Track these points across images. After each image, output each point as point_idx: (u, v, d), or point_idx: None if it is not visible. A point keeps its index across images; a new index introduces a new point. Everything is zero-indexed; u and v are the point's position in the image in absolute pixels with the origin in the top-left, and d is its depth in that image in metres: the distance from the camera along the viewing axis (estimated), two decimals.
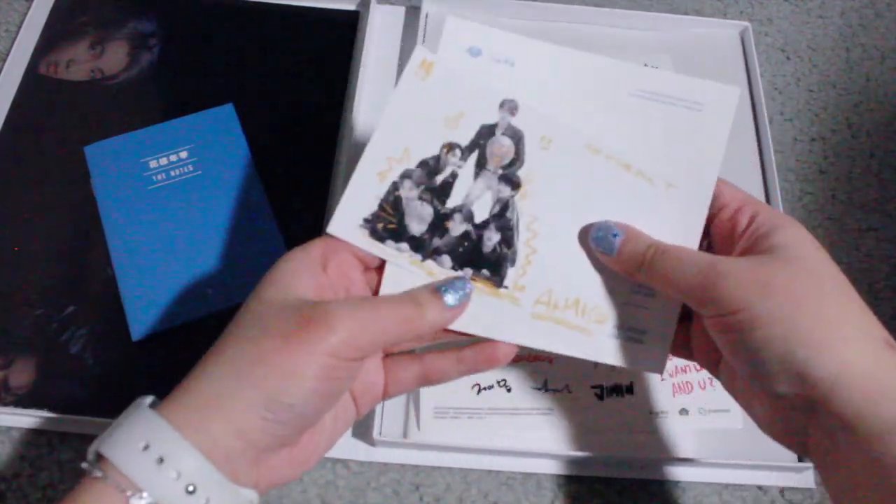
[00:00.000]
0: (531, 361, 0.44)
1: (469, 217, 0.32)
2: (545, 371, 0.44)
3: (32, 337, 0.45)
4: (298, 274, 0.31)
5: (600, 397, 0.44)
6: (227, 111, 0.52)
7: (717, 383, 0.35)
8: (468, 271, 0.32)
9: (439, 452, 0.43)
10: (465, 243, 0.32)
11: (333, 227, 0.32)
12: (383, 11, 0.57)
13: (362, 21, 0.56)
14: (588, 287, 0.34)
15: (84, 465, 0.27)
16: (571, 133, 0.33)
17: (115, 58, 0.54)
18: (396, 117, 0.32)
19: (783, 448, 0.33)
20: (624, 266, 0.33)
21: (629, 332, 0.34)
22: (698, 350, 0.34)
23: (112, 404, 0.42)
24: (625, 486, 0.43)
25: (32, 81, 0.53)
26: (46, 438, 0.43)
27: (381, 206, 0.32)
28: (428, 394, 0.43)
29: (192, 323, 0.45)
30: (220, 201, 0.48)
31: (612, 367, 0.42)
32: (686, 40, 0.57)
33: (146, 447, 0.26)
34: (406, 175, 0.32)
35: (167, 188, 0.49)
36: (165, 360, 0.44)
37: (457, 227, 0.32)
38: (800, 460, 0.43)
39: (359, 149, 0.51)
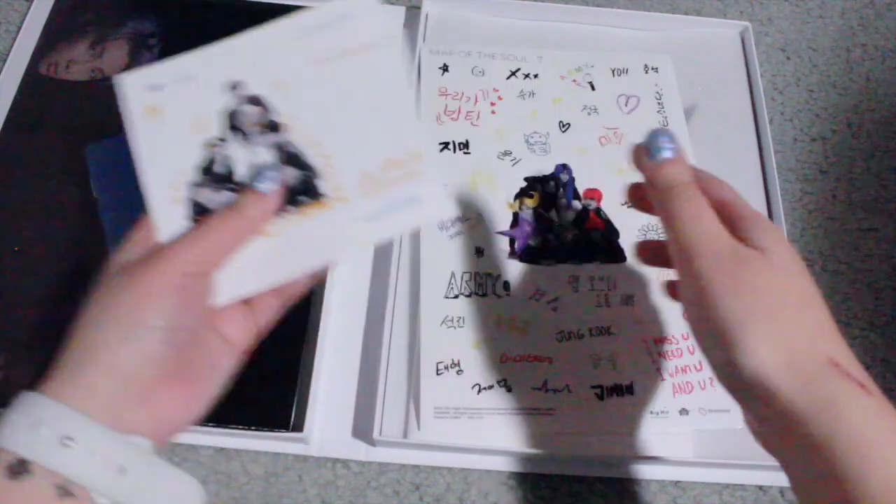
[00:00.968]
0: (531, 362, 0.44)
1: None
2: (545, 371, 0.44)
3: (32, 337, 0.45)
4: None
5: (600, 397, 0.43)
6: None
7: (717, 384, 0.35)
8: (292, 209, 0.34)
9: (439, 452, 0.43)
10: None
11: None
12: (383, 12, 0.57)
13: None
14: (390, 143, 0.35)
15: None
16: (293, 75, 0.37)
17: (115, 58, 0.54)
18: (149, 159, 0.35)
19: None
20: (657, 177, 0.32)
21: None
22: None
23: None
24: (625, 486, 0.43)
25: (32, 81, 0.53)
26: None
27: (190, 219, 0.34)
28: (428, 394, 0.43)
29: None
30: None
31: (613, 367, 0.43)
32: (686, 40, 0.57)
33: (20, 416, 0.27)
34: (196, 185, 0.35)
35: None
36: None
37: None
38: None
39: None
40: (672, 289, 0.37)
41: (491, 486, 0.43)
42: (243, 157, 0.35)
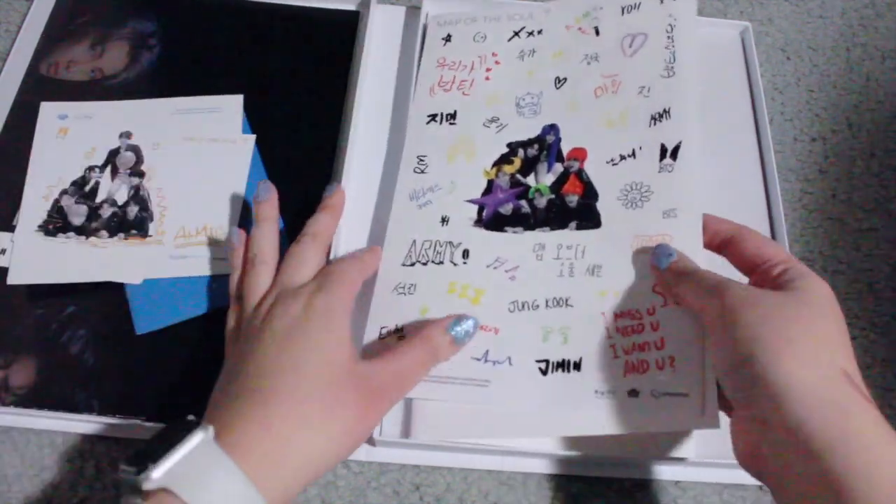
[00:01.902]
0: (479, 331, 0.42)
1: (113, 203, 0.48)
2: (489, 342, 0.42)
3: (32, 337, 0.45)
4: (344, 329, 0.37)
5: (544, 372, 0.41)
6: None
7: (677, 364, 0.38)
8: (122, 235, 0.47)
9: (439, 452, 0.43)
10: (115, 219, 0.47)
11: (20, 237, 0.47)
12: (383, 11, 0.57)
13: (362, 21, 0.56)
14: (213, 216, 0.47)
15: (139, 481, 0.29)
16: (168, 141, 0.50)
17: (115, 58, 0.54)
18: (41, 162, 0.49)
19: None
20: (663, 277, 0.40)
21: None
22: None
23: (112, 404, 0.42)
24: (625, 486, 0.43)
25: (32, 81, 0.53)
26: (47, 438, 0.43)
27: (49, 215, 0.47)
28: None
29: (195, 319, 0.45)
30: None
31: (564, 341, 0.41)
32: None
33: (205, 472, 0.29)
34: (65, 193, 0.48)
35: None
36: (167, 358, 0.44)
37: (106, 211, 0.47)
38: None
39: (360, 148, 0.51)
40: (666, 289, 0.40)
41: (491, 486, 0.43)
42: (106, 187, 0.48)
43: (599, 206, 0.44)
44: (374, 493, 0.43)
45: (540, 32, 0.51)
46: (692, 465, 0.43)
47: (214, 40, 0.56)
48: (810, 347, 0.31)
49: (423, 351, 0.39)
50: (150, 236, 0.46)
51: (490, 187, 0.47)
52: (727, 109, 0.54)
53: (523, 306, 0.42)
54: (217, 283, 0.46)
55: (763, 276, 0.37)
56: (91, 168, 0.49)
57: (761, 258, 0.38)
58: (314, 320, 0.36)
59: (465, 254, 0.44)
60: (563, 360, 0.41)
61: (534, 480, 0.43)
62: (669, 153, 0.43)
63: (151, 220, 0.47)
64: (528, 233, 0.45)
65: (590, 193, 0.45)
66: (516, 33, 0.51)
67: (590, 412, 0.39)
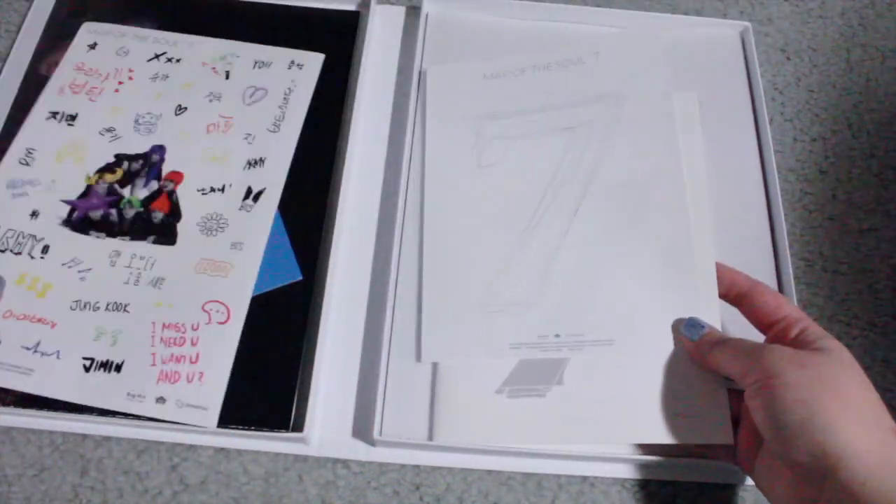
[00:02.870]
0: (33, 322, 0.44)
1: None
2: (43, 334, 0.44)
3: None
4: None
5: (87, 369, 0.43)
6: None
7: (206, 379, 0.42)
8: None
9: (439, 452, 0.43)
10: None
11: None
12: (383, 11, 0.57)
13: (362, 21, 0.56)
14: None
15: None
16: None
17: None
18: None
19: None
20: (697, 348, 0.41)
21: None
22: (743, 444, 0.40)
23: (112, 404, 0.42)
24: (625, 485, 0.43)
25: (32, 81, 0.53)
26: (47, 438, 0.43)
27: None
28: None
29: None
30: None
31: (113, 343, 0.44)
32: (686, 40, 0.57)
33: None
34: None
35: None
36: None
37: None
38: None
39: (360, 148, 0.51)
40: (698, 355, 0.41)
41: (491, 486, 0.43)
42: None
43: (180, 226, 0.48)
44: (374, 493, 0.43)
45: (178, 61, 0.54)
46: (693, 466, 0.43)
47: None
48: (865, 411, 0.34)
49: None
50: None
51: (87, 191, 0.49)
52: (727, 109, 0.54)
53: (85, 306, 0.45)
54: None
55: (780, 334, 0.39)
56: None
57: (778, 316, 0.39)
58: None
59: (45, 249, 0.47)
60: (107, 361, 0.43)
61: (534, 480, 0.43)
62: (253, 196, 0.48)
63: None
64: (110, 239, 0.47)
65: (175, 213, 0.48)
66: (157, 56, 0.54)
67: (606, 421, 0.42)
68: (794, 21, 0.60)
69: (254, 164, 0.49)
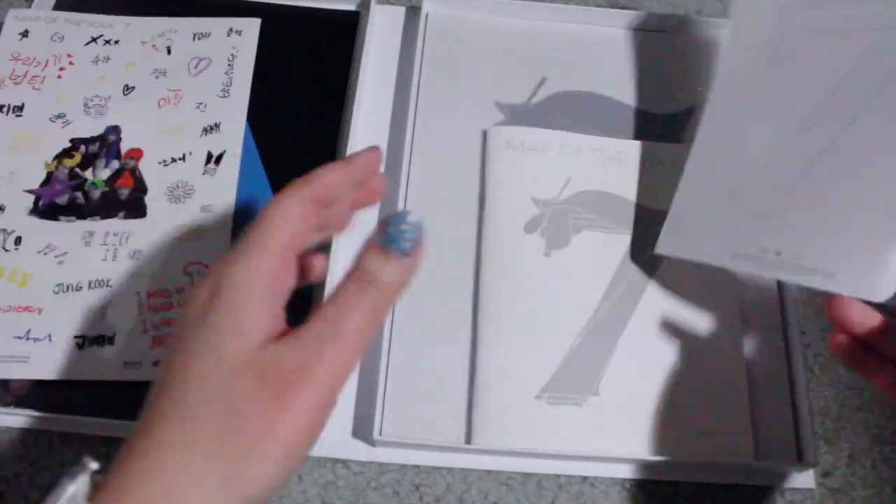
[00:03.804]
0: (20, 312, 0.45)
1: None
2: (32, 321, 0.45)
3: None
4: (255, 311, 0.27)
5: (80, 346, 0.44)
6: None
7: None
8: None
9: (439, 452, 0.43)
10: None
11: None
12: (383, 11, 0.57)
13: (362, 21, 0.56)
14: None
15: None
16: None
17: None
18: None
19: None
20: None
21: None
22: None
23: (112, 404, 0.42)
24: (625, 485, 0.43)
25: None
26: (46, 438, 0.43)
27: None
28: None
29: None
30: None
31: (102, 318, 0.45)
32: (686, 40, 0.57)
33: None
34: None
35: None
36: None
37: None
38: (799, 460, 0.43)
39: (360, 148, 0.51)
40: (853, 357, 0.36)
41: (491, 486, 0.43)
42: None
43: (147, 199, 0.49)
44: (374, 493, 0.43)
45: (117, 42, 0.54)
46: (693, 466, 0.43)
47: None
48: None
49: (360, 292, 0.27)
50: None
51: (49, 179, 0.49)
52: None
53: (68, 288, 0.46)
54: None
55: None
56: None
57: None
58: (211, 310, 0.26)
59: (18, 241, 0.47)
60: (99, 336, 0.44)
61: (534, 480, 0.43)
62: (214, 159, 0.50)
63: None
64: (80, 221, 0.48)
65: (140, 188, 0.49)
66: (94, 39, 0.54)
67: (638, 434, 0.43)
68: None
69: (210, 129, 0.51)
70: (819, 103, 0.41)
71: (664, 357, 0.45)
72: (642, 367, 0.45)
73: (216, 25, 0.55)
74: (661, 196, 0.49)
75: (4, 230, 0.47)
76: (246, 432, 0.25)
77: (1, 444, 0.43)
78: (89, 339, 0.44)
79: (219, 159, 0.50)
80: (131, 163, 0.50)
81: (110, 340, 0.44)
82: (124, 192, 0.49)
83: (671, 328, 0.46)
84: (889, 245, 0.37)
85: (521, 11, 0.57)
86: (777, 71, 0.43)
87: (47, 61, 0.53)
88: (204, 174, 0.49)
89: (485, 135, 0.52)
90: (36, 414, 0.43)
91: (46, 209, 0.48)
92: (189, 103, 0.52)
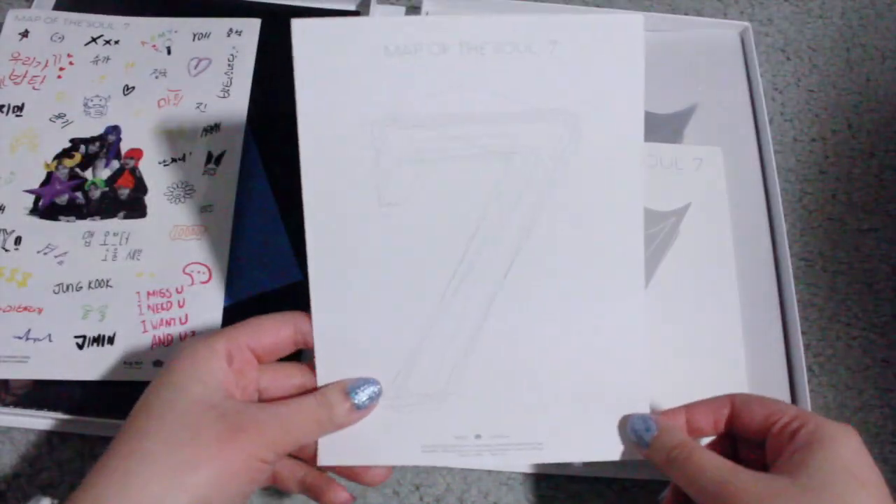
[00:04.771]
0: (20, 312, 0.45)
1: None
2: (32, 321, 0.45)
3: None
4: (212, 371, 0.33)
5: (80, 347, 0.44)
6: None
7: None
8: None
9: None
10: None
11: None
12: (383, 11, 0.57)
13: None
14: None
15: None
16: None
17: None
18: None
19: None
20: (654, 457, 0.34)
21: None
22: None
23: (112, 404, 0.42)
24: (625, 486, 0.43)
25: None
26: (46, 438, 0.43)
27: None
28: None
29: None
30: None
31: (101, 318, 0.45)
32: (686, 40, 0.57)
33: None
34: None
35: None
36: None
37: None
38: None
39: None
40: None
41: (491, 486, 0.43)
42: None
43: (147, 199, 0.49)
44: (374, 493, 0.43)
45: (117, 42, 0.54)
46: None
47: None
48: None
49: (319, 407, 0.34)
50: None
51: (49, 179, 0.49)
52: (727, 109, 0.54)
53: (67, 288, 0.46)
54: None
55: (777, 439, 0.33)
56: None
57: (770, 420, 0.33)
58: (179, 368, 0.33)
59: (18, 241, 0.47)
60: (99, 335, 0.44)
61: (534, 480, 0.43)
62: (214, 159, 0.49)
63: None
64: (80, 221, 0.48)
65: (140, 188, 0.49)
66: (94, 39, 0.54)
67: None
68: (794, 21, 0.61)
69: (209, 130, 0.51)
70: (458, 252, 0.35)
71: (663, 357, 0.45)
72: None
73: (216, 26, 0.55)
74: (661, 196, 0.50)
75: (4, 230, 0.47)
76: (195, 447, 0.30)
77: (1, 444, 0.43)
78: (89, 339, 0.44)
79: (219, 159, 0.50)
80: (131, 163, 0.50)
81: (110, 340, 0.44)
82: (124, 192, 0.49)
83: (670, 328, 0.46)
84: (584, 401, 0.36)
85: (521, 11, 0.57)
86: (386, 217, 0.35)
87: (47, 61, 0.53)
88: (204, 174, 0.49)
89: None
90: (36, 414, 0.43)
91: (46, 209, 0.48)
92: (189, 104, 0.52)
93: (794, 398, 0.45)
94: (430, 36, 0.34)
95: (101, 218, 0.48)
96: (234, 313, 0.45)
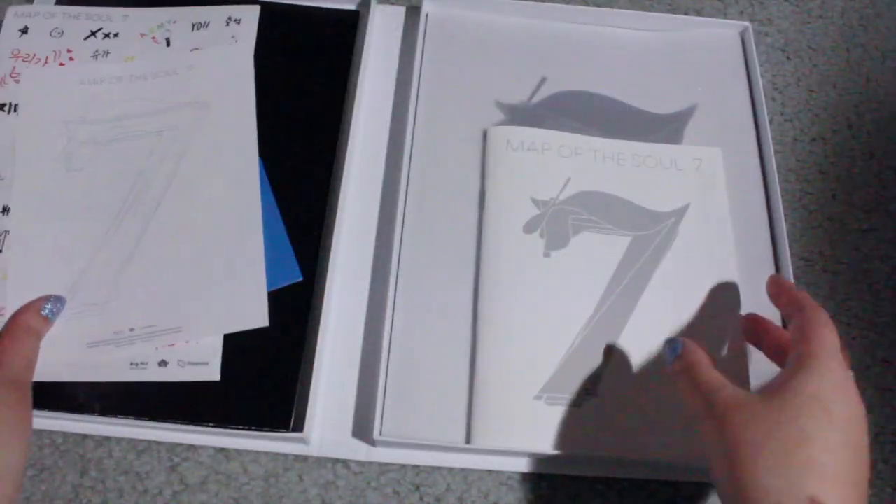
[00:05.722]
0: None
1: None
2: None
3: None
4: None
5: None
6: None
7: (200, 341, 0.44)
8: None
9: (439, 452, 0.43)
10: None
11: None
12: (383, 11, 0.57)
13: (362, 21, 0.56)
14: None
15: None
16: None
17: None
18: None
19: None
20: (675, 367, 0.39)
21: None
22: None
23: (113, 404, 0.42)
24: (625, 486, 0.43)
25: None
26: (47, 438, 0.43)
27: None
28: None
29: None
30: None
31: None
32: (686, 40, 0.57)
33: None
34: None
35: None
36: None
37: None
38: None
39: (360, 148, 0.51)
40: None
41: (491, 486, 0.43)
42: None
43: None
44: (374, 493, 0.43)
45: (116, 35, 0.54)
46: (691, 466, 0.43)
47: None
48: (781, 471, 0.31)
49: (23, 332, 0.41)
50: None
51: None
52: (727, 109, 0.54)
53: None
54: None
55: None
56: None
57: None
58: None
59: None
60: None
61: (534, 480, 0.43)
62: None
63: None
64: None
65: None
66: (93, 33, 0.54)
67: (637, 434, 0.43)
68: (794, 21, 0.61)
69: None
70: (123, 196, 0.48)
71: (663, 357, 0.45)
72: (641, 367, 0.45)
73: (215, 14, 0.54)
74: (660, 196, 0.50)
75: (8, 232, 0.47)
76: None
77: None
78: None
79: None
80: None
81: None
82: None
83: (670, 328, 0.46)
84: (209, 298, 0.45)
85: (522, 11, 0.57)
86: (73, 178, 0.48)
87: (47, 57, 0.53)
88: None
89: (485, 134, 0.52)
90: (36, 414, 0.42)
91: None
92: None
93: None
94: (109, 73, 0.52)
95: None
96: None
